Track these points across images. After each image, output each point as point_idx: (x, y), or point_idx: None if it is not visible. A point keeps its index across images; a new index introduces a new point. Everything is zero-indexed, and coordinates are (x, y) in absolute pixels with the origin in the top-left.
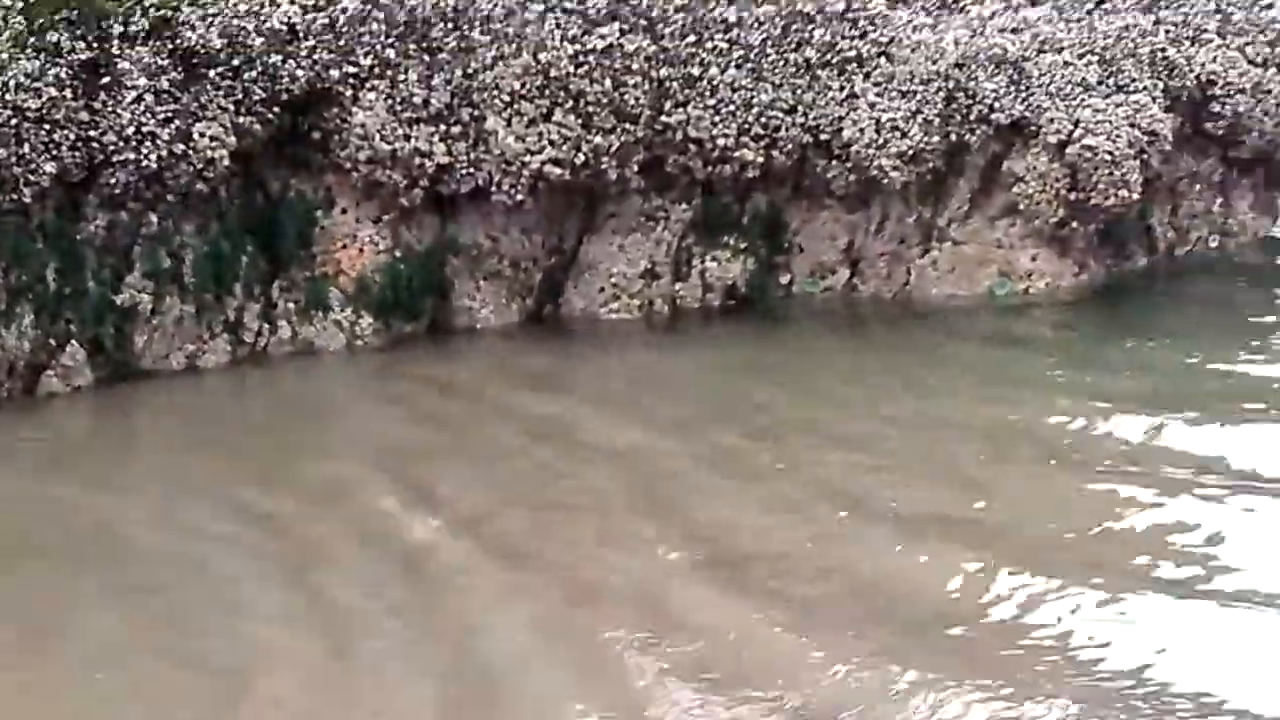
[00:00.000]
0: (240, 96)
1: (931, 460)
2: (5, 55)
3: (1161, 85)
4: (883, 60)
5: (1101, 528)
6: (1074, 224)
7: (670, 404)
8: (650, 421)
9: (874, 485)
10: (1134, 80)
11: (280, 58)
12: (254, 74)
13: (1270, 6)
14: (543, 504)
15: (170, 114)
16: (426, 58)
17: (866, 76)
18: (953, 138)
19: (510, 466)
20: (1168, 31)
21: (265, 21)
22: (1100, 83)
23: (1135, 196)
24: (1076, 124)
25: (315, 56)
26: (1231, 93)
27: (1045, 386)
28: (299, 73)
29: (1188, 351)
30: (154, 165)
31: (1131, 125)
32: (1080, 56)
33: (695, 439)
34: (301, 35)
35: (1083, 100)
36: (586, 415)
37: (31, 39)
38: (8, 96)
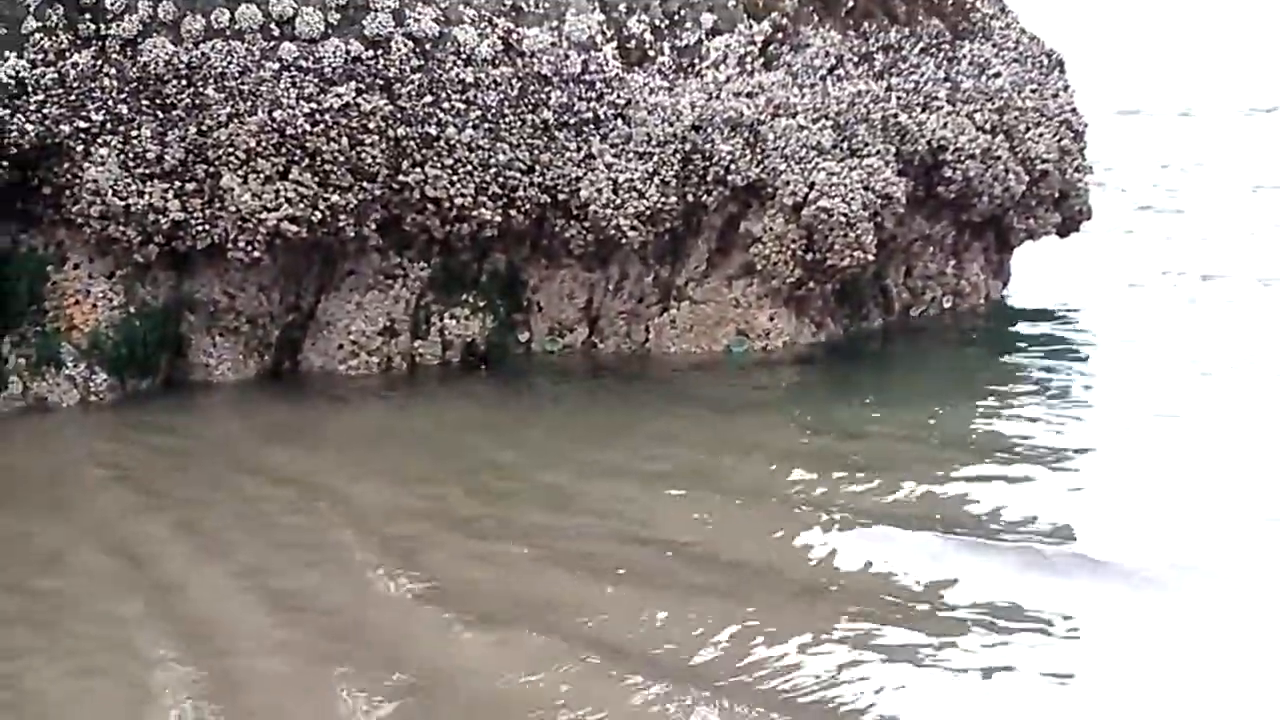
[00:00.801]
0: None
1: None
2: None
3: (894, 150)
4: (619, 122)
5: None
6: (811, 284)
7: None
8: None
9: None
10: (867, 145)
11: (8, 111)
12: None
13: (997, 75)
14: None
15: None
16: (160, 114)
17: (603, 138)
18: (690, 198)
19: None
20: (899, 98)
21: None
22: (834, 147)
23: (870, 258)
24: (812, 186)
25: (45, 111)
26: (962, 158)
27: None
28: (28, 127)
29: (917, 408)
30: None
31: (866, 188)
32: (815, 121)
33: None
34: (30, 89)
35: (817, 164)
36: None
37: None
38: None
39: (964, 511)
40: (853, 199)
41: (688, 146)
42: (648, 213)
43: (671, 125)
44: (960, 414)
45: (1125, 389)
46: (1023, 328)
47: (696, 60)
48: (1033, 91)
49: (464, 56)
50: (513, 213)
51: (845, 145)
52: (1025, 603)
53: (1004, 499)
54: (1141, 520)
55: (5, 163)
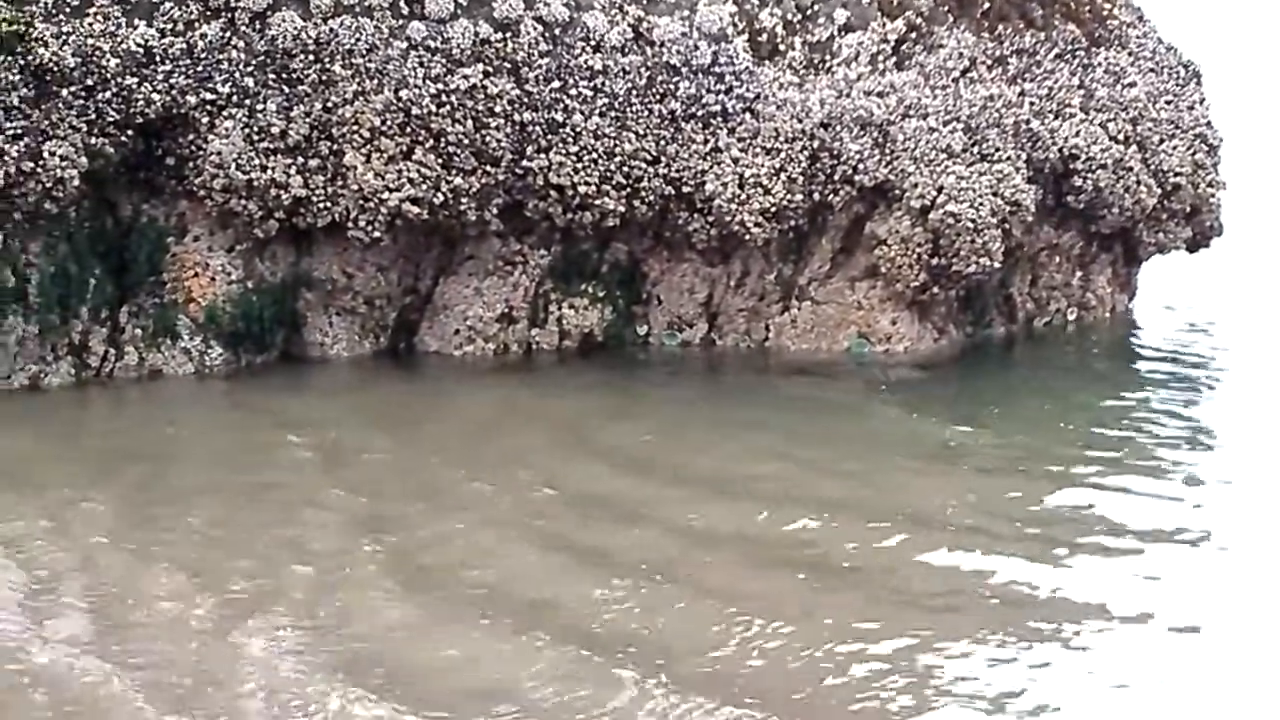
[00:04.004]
0: (93, 117)
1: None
2: None
3: (1025, 156)
4: (748, 116)
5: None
6: (935, 289)
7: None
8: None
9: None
10: (998, 150)
11: (136, 80)
12: (108, 95)
13: (1132, 85)
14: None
15: (19, 131)
16: (286, 89)
17: (731, 131)
18: (816, 197)
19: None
20: (1032, 104)
21: (121, 43)
22: (965, 150)
23: (997, 265)
24: (940, 190)
25: (172, 81)
26: (1093, 167)
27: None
28: (154, 96)
29: (1035, 421)
30: (0, 182)
31: (994, 194)
32: (945, 123)
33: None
34: (158, 59)
35: (947, 167)
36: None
37: None
38: None
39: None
40: (981, 204)
41: (816, 144)
42: (773, 209)
43: (800, 121)
44: (1077, 429)
45: (1249, 413)
46: (1147, 341)
47: (828, 56)
48: (1168, 103)
49: (593, 43)
50: (636, 203)
51: (975, 149)
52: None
53: (1115, 508)
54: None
55: (130, 132)
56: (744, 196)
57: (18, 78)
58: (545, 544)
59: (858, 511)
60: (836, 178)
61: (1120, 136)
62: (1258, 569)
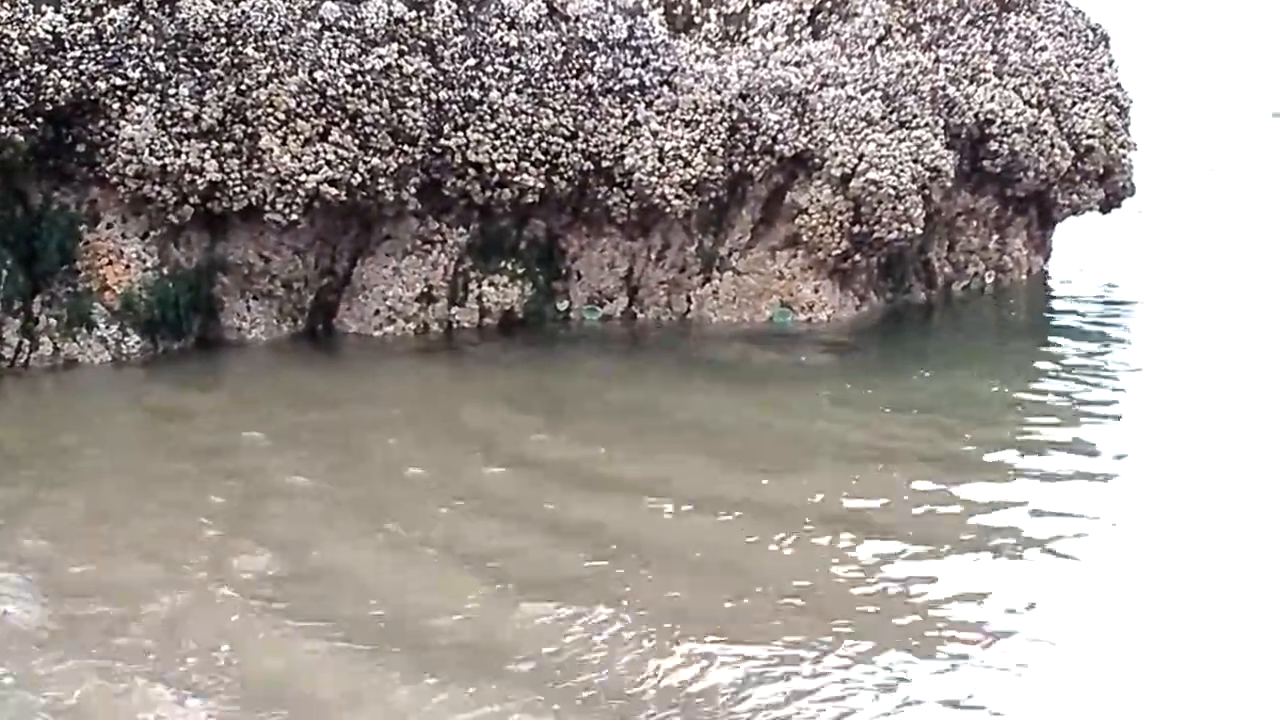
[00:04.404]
0: (2, 105)
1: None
2: None
3: (942, 122)
4: (665, 89)
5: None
6: (857, 257)
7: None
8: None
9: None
10: (916, 116)
11: (45, 67)
12: (16, 83)
13: (1044, 49)
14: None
15: None
16: (198, 72)
17: (649, 105)
18: (736, 168)
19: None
20: (947, 70)
21: (29, 30)
22: (883, 118)
23: (918, 231)
24: (860, 158)
25: (81, 67)
26: (1009, 132)
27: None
28: (64, 83)
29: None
30: None
31: (915, 160)
32: (863, 91)
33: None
34: (67, 45)
35: (866, 134)
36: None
37: None
38: None
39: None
40: (902, 171)
41: (735, 115)
42: (693, 181)
43: (719, 93)
44: (1001, 389)
45: (1158, 365)
46: (1063, 304)
47: (744, 28)
48: (1078, 66)
49: (508, 20)
50: (555, 179)
51: (894, 117)
52: None
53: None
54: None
55: (40, 119)
56: (664, 169)
57: None
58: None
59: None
60: (756, 148)
61: (1034, 100)
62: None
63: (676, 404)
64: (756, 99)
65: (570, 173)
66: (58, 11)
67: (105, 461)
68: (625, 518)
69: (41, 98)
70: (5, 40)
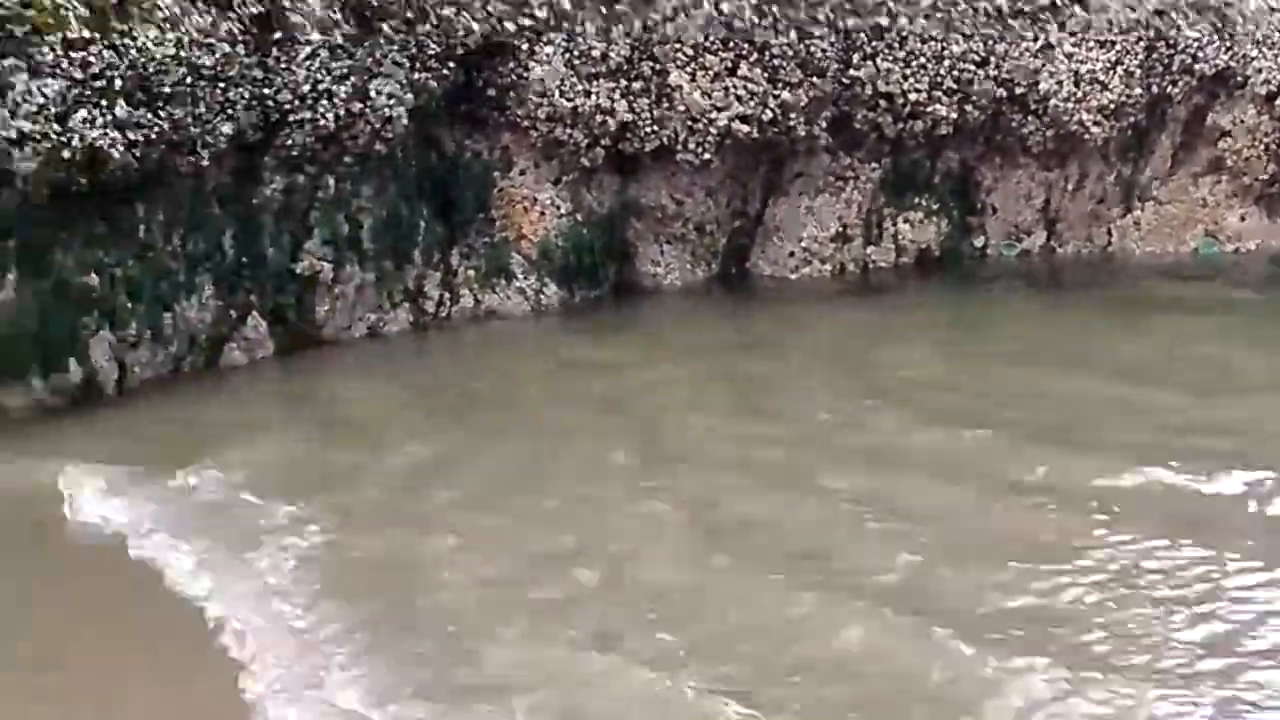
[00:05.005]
0: (415, 51)
1: None
2: (177, 9)
3: None
4: (1077, 8)
5: None
6: None
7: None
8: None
9: None
10: None
11: (454, 10)
12: (428, 28)
13: None
14: None
15: (345, 70)
16: (604, 9)
17: (1062, 26)
18: (1154, 90)
19: None
20: None
21: None
22: None
23: None
24: None
25: (490, 8)
26: None
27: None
28: (474, 25)
29: None
30: (331, 125)
31: None
32: None
33: None
34: None
35: None
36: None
37: None
38: (181, 53)
39: None
40: None
41: (1151, 33)
42: (1111, 106)
43: (1134, 11)
44: None
45: None
46: None
47: None
48: None
49: None
50: (967, 108)
51: None
52: None
53: None
54: None
55: (451, 63)
56: (1080, 94)
57: (339, 15)
58: None
59: None
60: (1175, 68)
61: None
62: None
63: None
64: (1173, 15)
65: (983, 101)
66: None
67: (524, 413)
68: None
69: (451, 41)
70: None
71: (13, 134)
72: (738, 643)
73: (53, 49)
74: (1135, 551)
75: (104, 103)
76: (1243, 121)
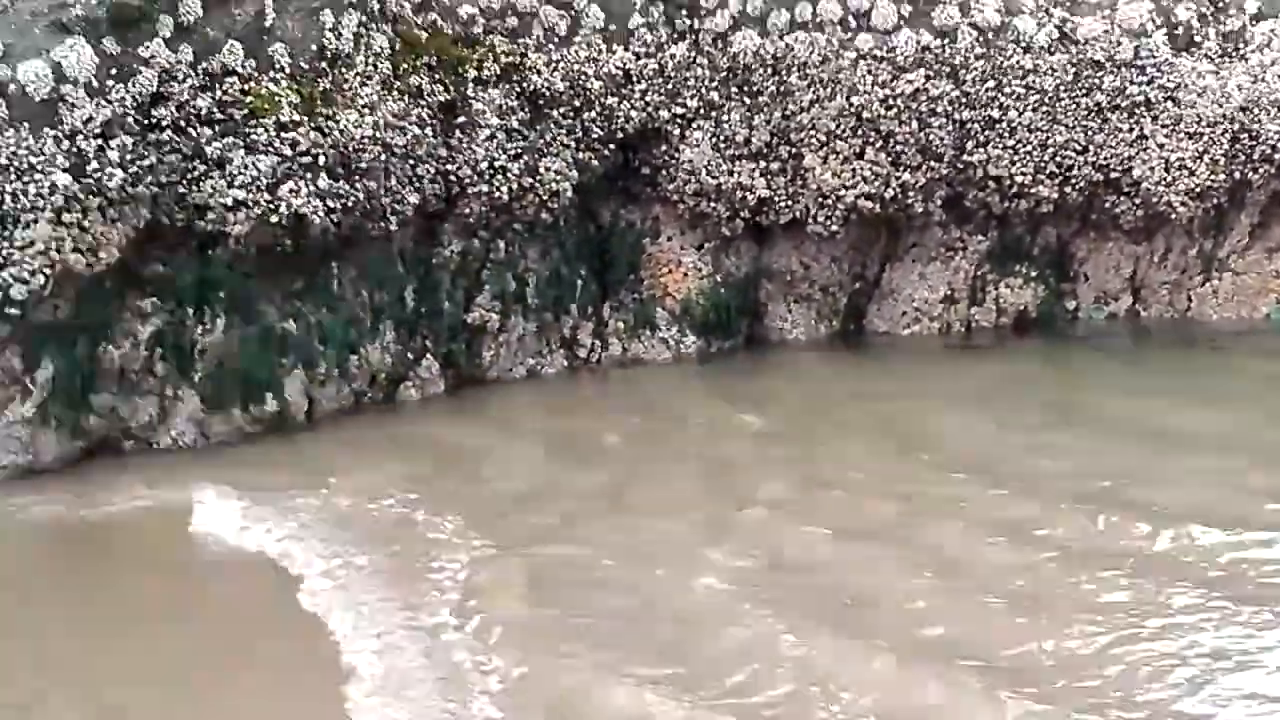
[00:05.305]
0: (580, 135)
1: None
2: (375, 97)
3: None
4: (1169, 104)
5: None
6: None
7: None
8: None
9: None
10: None
11: (616, 99)
12: (592, 114)
13: None
14: None
15: (519, 150)
16: (748, 100)
17: (1155, 119)
18: (1236, 175)
19: None
20: None
21: (603, 67)
22: None
23: None
24: None
25: (647, 99)
26: None
27: None
28: (632, 113)
29: None
30: (505, 197)
31: None
32: None
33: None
34: (634, 79)
35: None
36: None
37: (397, 83)
38: (377, 134)
39: None
40: None
41: (1236, 127)
42: (1197, 189)
43: (1220, 106)
44: None
45: None
46: None
47: (1241, 44)
48: None
49: (1023, 44)
50: (1067, 189)
51: None
52: None
53: None
54: None
55: (611, 146)
56: (1170, 179)
57: (515, 103)
58: None
59: None
60: (1256, 157)
61: None
62: None
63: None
64: (1256, 111)
65: (1081, 183)
66: (626, 49)
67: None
68: None
69: (613, 127)
70: (583, 77)
71: (229, 201)
72: None
73: (267, 130)
74: None
75: (308, 176)
76: None
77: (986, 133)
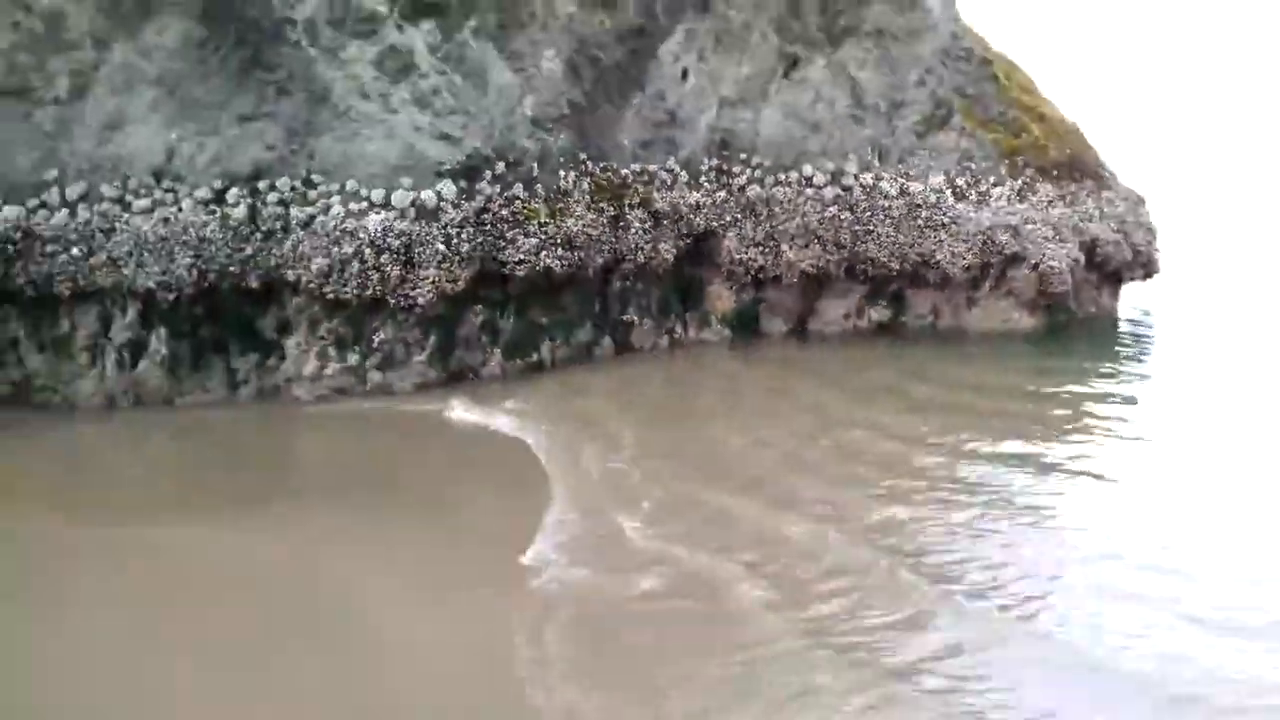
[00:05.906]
0: (675, 233)
1: None
2: (580, 208)
3: (1076, 241)
4: (953, 225)
5: None
6: None
7: None
8: None
9: None
10: (1062, 239)
11: (693, 216)
12: (682, 223)
13: (1118, 205)
14: None
15: (648, 240)
16: (754, 219)
17: (947, 232)
18: (983, 260)
19: None
20: (1079, 215)
21: (687, 200)
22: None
23: None
24: None
25: (707, 216)
26: (1107, 245)
27: None
28: (699, 222)
29: None
30: (641, 261)
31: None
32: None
33: None
34: (701, 207)
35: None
36: None
37: (592, 205)
38: (583, 229)
39: None
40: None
41: (983, 237)
42: (966, 265)
43: (976, 227)
44: None
45: None
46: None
47: (987, 197)
48: (1130, 212)
49: (884, 194)
50: (904, 265)
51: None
52: None
53: None
54: None
55: (690, 238)
56: (953, 261)
57: (645, 214)
58: None
59: None
60: (993, 252)
61: (1115, 229)
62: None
63: None
64: (994, 229)
65: (911, 263)
66: (698, 192)
67: (730, 407)
68: None
69: (691, 229)
70: (678, 204)
71: (517, 259)
72: None
73: (534, 225)
74: None
75: (552, 247)
76: None
77: (866, 237)
